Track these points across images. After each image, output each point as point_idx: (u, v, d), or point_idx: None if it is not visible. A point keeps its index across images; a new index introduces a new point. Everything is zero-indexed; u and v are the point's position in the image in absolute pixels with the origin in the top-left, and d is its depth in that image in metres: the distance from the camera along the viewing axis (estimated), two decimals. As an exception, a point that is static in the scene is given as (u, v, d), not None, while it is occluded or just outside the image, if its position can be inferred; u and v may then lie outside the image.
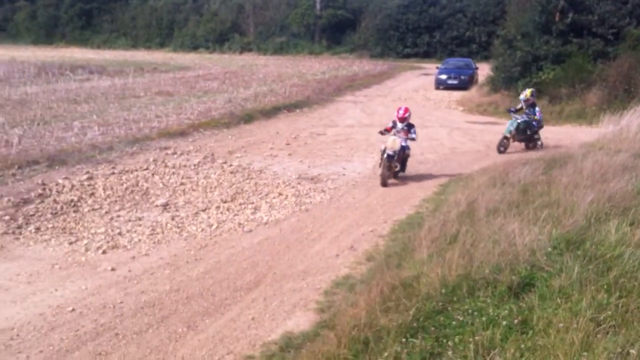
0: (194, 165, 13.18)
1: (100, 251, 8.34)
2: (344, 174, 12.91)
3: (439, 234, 7.79)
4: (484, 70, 29.30)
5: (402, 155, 12.31)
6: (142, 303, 6.81)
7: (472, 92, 27.38)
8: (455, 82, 31.04)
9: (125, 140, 14.93)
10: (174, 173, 12.45)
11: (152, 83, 28.63)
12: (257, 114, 20.22)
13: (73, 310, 6.60)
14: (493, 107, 22.74)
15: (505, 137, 15.28)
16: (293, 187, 11.75)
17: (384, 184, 12.07)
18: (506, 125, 15.51)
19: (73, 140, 14.42)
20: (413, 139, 12.60)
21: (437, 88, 31.05)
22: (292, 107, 22.47)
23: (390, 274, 6.72)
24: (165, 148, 14.69)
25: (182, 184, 11.75)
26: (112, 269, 7.74)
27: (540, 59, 22.33)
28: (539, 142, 15.70)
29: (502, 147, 15.21)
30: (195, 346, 5.93)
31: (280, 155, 14.62)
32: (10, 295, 6.95)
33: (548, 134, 17.73)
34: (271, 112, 21.01)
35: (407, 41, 55.69)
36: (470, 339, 5.05)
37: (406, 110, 12.62)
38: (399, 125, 12.53)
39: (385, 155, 12.07)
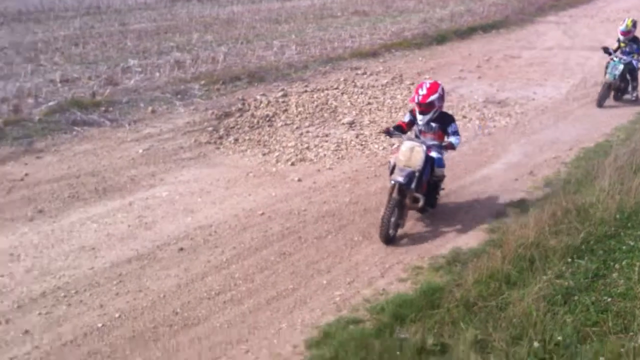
0: (382, 85, 13.47)
1: (289, 163, 9.06)
2: (533, 99, 12.50)
3: (625, 162, 7.53)
4: None
5: (427, 180, 6.83)
6: (323, 212, 7.42)
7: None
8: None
9: (319, 59, 15.54)
10: (362, 93, 12.85)
11: (349, 3, 28.95)
12: (451, 35, 19.83)
13: (263, 214, 7.36)
14: None
15: (609, 85, 11.94)
16: (478, 111, 11.67)
17: (387, 238, 6.51)
18: (608, 69, 11.87)
19: (272, 59, 15.26)
20: (453, 147, 6.76)
21: (656, 7, 28.06)
22: (488, 27, 21.68)
23: (566, 198, 6.69)
24: (356, 68, 15.09)
25: (368, 103, 12.13)
26: (299, 180, 8.42)
27: None
28: (636, 92, 12.26)
29: (603, 99, 11.98)
30: (368, 254, 6.41)
31: (469, 78, 14.42)
32: (211, 197, 7.88)
33: None
34: (466, 33, 20.47)
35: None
36: (637, 263, 5.00)
37: (434, 86, 6.69)
38: (420, 119, 6.83)
39: (391, 182, 6.60)
